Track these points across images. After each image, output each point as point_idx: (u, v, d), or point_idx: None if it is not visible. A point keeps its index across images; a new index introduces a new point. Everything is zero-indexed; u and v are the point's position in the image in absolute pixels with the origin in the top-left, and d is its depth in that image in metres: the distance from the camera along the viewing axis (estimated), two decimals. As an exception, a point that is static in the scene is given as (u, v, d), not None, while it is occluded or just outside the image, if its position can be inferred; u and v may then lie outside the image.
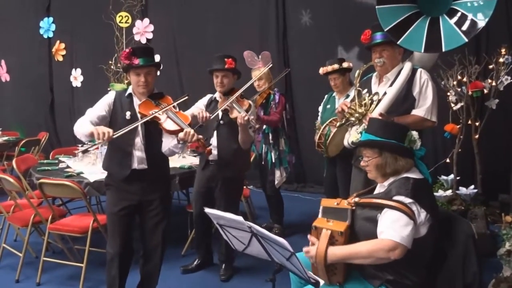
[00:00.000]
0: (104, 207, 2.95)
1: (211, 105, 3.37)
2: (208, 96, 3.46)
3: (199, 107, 3.35)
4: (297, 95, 6.08)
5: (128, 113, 2.67)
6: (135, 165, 2.67)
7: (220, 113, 3.25)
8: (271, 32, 6.13)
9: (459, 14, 2.61)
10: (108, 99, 2.72)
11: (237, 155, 3.29)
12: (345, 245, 1.94)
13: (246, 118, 3.05)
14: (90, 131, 2.42)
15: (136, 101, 2.71)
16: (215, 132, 3.25)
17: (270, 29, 6.14)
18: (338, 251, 1.92)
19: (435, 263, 2.04)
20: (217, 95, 3.38)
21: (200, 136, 2.65)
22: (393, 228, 1.86)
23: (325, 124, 3.54)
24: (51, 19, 8.04)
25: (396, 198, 1.93)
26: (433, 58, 3.46)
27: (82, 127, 2.52)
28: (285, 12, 6.05)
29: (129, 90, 2.76)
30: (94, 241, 3.35)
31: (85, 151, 2.57)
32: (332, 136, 3.35)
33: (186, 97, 2.78)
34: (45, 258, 3.40)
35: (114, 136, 2.41)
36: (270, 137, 4.09)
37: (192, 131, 2.57)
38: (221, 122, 3.18)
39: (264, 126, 4.06)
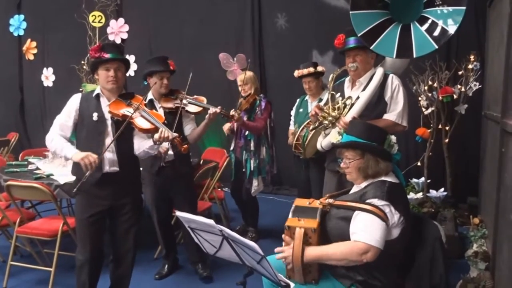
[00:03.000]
0: (75, 209, 2.90)
1: (147, 107, 3.31)
2: None
3: None
4: (272, 97, 6.02)
5: (95, 114, 2.61)
6: (107, 168, 2.61)
7: (162, 112, 3.24)
8: (246, 34, 6.14)
9: (429, 21, 2.67)
10: (73, 104, 2.65)
11: (188, 151, 3.31)
12: (318, 241, 1.97)
13: (218, 110, 3.21)
14: (77, 160, 2.47)
15: (105, 102, 2.65)
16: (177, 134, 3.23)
17: (245, 31, 6.16)
18: (313, 252, 1.94)
19: (403, 264, 2.08)
20: (151, 96, 3.32)
21: (176, 134, 2.64)
22: (366, 230, 1.89)
23: (302, 126, 3.55)
24: (22, 16, 7.84)
25: (370, 200, 1.95)
26: (405, 63, 3.53)
27: (62, 149, 2.57)
28: (261, 15, 6.08)
29: (97, 91, 2.69)
30: (64, 244, 3.28)
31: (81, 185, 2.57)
32: (310, 138, 3.37)
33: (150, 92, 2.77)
34: (12, 262, 3.31)
35: (99, 160, 2.47)
36: (252, 145, 3.99)
37: (167, 130, 2.56)
38: (166, 122, 3.16)
39: (247, 132, 3.99)
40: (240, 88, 4.02)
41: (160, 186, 3.33)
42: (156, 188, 3.35)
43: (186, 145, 2.69)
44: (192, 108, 3.27)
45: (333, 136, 2.75)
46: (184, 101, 3.22)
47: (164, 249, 3.57)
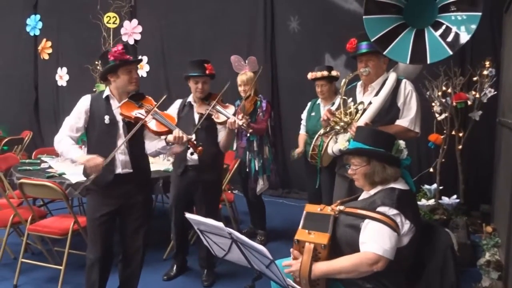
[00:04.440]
0: (86, 209, 2.94)
1: (185, 110, 3.34)
2: (178, 102, 3.42)
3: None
4: (283, 101, 6.09)
5: (106, 117, 2.60)
6: (119, 170, 2.61)
7: (197, 117, 3.24)
8: (259, 37, 6.15)
9: (444, 26, 2.64)
10: (83, 105, 2.64)
11: (216, 159, 3.31)
12: (328, 255, 1.93)
13: (237, 123, 3.06)
14: (81, 162, 2.46)
15: (115, 104, 2.65)
16: (193, 137, 3.22)
17: (258, 34, 6.16)
18: (322, 267, 1.91)
19: (413, 272, 2.05)
20: (190, 99, 3.34)
21: (190, 136, 2.64)
22: (376, 240, 1.86)
23: (317, 136, 3.54)
24: (38, 16, 7.95)
25: (380, 209, 1.93)
26: (418, 69, 3.49)
27: (68, 151, 2.54)
28: (274, 17, 6.07)
29: (107, 93, 2.67)
30: (74, 243, 3.30)
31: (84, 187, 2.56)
32: (325, 147, 3.35)
33: (165, 97, 2.74)
34: (23, 260, 3.33)
35: (105, 164, 2.44)
36: (255, 145, 4.02)
37: (181, 133, 2.57)
38: (199, 126, 3.14)
39: (248, 134, 3.97)
40: (240, 89, 4.01)
41: (182, 188, 3.33)
42: (178, 189, 3.36)
43: (200, 147, 2.69)
44: (219, 117, 3.17)
45: (341, 143, 2.74)
46: (213, 109, 3.13)
47: (175, 249, 3.55)
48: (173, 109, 3.39)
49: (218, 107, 3.18)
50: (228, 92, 3.24)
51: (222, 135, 3.26)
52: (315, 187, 3.86)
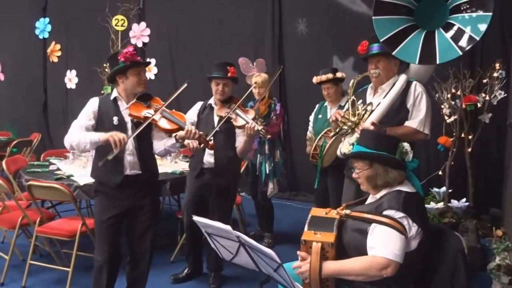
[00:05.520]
0: (94, 211, 2.95)
1: (205, 112, 3.33)
2: (199, 103, 3.41)
3: (189, 119, 3.28)
4: (291, 103, 6.07)
5: (115, 118, 2.61)
6: (128, 171, 2.61)
7: (216, 120, 3.22)
8: (266, 39, 6.14)
9: (455, 27, 2.62)
10: (91, 107, 2.63)
11: (233, 163, 3.27)
12: (336, 256, 1.92)
13: (256, 128, 2.99)
14: (105, 138, 2.40)
15: (123, 105, 2.65)
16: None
17: (265, 36, 6.15)
18: (332, 266, 1.90)
19: (423, 277, 2.03)
20: (212, 101, 3.32)
21: (201, 132, 2.66)
22: (385, 245, 1.85)
23: (320, 135, 3.52)
24: (47, 19, 8.00)
25: (386, 212, 1.91)
26: (429, 71, 3.46)
27: (86, 136, 2.48)
28: (281, 20, 6.06)
29: (114, 94, 2.67)
30: (82, 245, 3.31)
31: (106, 162, 2.45)
32: (327, 147, 3.33)
33: (186, 85, 2.71)
34: (31, 261, 3.35)
35: (129, 139, 2.44)
36: (266, 148, 4.00)
37: (193, 128, 2.57)
38: (218, 129, 3.11)
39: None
40: (255, 91, 3.98)
41: (197, 190, 3.31)
42: (192, 191, 3.34)
43: (212, 142, 2.70)
44: (237, 121, 3.10)
45: (345, 146, 2.73)
46: (233, 113, 3.09)
47: (187, 251, 3.52)
48: (194, 111, 3.38)
49: (238, 111, 3.13)
50: (240, 93, 3.23)
51: (240, 140, 3.20)
52: (319, 191, 3.85)
